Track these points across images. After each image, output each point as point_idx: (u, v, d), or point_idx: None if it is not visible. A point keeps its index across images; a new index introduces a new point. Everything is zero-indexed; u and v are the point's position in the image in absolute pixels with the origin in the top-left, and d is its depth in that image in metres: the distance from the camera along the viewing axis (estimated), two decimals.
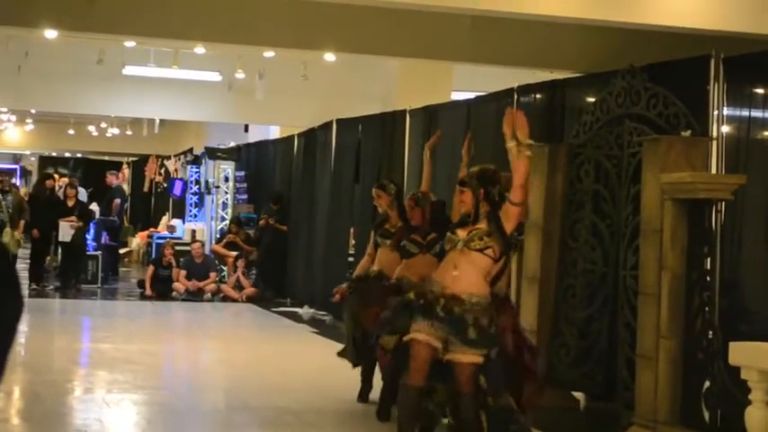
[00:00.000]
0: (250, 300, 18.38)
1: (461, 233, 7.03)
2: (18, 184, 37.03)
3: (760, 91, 8.55)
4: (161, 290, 18.53)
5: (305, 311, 16.33)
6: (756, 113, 8.51)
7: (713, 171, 8.48)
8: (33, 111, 29.15)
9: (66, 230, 18.73)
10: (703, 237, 8.17)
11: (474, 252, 6.90)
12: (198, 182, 24.99)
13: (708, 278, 8.12)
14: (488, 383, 6.89)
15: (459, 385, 6.92)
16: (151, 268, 19.03)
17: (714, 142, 8.54)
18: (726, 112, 8.61)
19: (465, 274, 6.90)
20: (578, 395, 9.88)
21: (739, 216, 8.36)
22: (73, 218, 18.91)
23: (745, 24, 9.88)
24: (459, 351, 6.84)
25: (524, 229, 9.60)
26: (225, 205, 22.87)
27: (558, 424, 8.80)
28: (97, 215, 22.61)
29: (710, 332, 7.97)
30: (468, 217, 7.09)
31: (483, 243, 6.90)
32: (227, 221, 21.84)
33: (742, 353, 7.20)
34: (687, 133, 8.38)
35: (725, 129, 8.63)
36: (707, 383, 7.95)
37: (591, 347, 9.36)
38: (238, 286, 18.79)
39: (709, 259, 8.18)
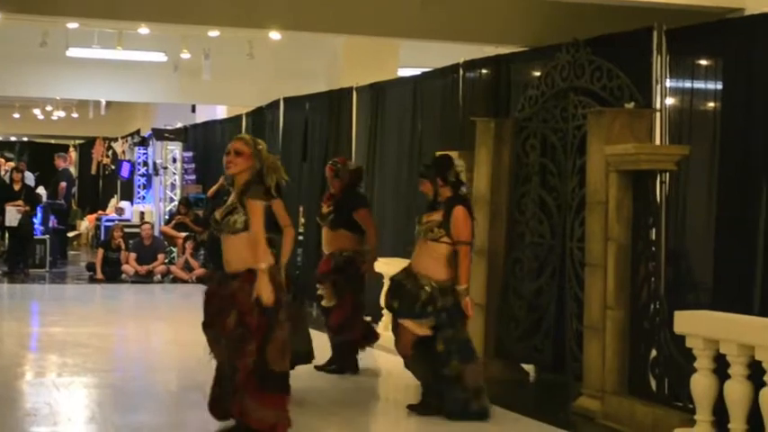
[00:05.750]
0: (200, 281, 18.31)
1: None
2: None
3: (703, 62, 8.61)
4: (110, 273, 18.44)
5: None
6: (699, 85, 8.57)
7: (657, 142, 8.55)
8: None
9: (12, 215, 18.60)
10: (648, 208, 8.24)
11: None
12: (146, 163, 24.85)
13: (653, 249, 8.19)
14: None
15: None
16: (101, 251, 18.91)
17: (658, 114, 8.61)
18: (669, 83, 8.67)
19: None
20: (528, 368, 9.96)
21: (683, 187, 8.43)
22: (19, 202, 18.75)
23: None
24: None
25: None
26: (173, 186, 22.76)
27: (508, 396, 8.85)
28: (44, 199, 22.41)
29: (656, 302, 8.05)
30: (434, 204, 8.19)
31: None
32: (176, 202, 21.73)
33: (687, 322, 7.29)
34: (631, 105, 8.45)
35: (668, 100, 8.69)
36: (653, 353, 8.04)
37: (539, 320, 9.43)
38: (187, 267, 18.75)
39: (654, 230, 8.25)
